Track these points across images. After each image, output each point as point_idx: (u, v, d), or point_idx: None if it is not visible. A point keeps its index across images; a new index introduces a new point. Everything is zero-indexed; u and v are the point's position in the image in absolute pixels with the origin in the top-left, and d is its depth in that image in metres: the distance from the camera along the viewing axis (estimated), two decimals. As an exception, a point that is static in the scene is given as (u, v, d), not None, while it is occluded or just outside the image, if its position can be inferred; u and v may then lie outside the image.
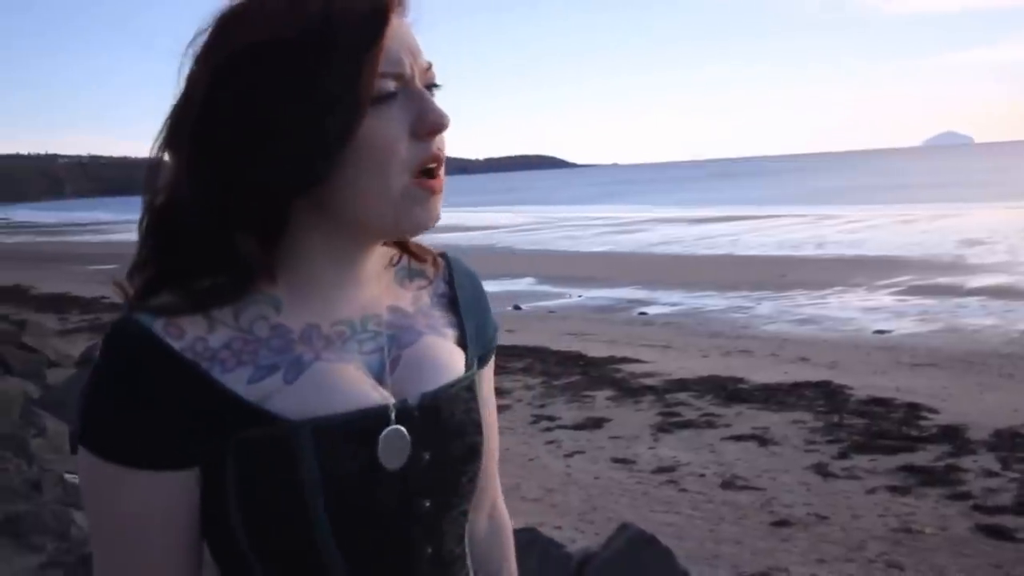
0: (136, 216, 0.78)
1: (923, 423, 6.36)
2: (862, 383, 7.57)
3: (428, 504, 0.80)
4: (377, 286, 0.84)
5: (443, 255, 0.92)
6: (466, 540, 0.88)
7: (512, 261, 20.21)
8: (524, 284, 16.13)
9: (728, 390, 7.48)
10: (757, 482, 5.38)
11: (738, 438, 6.25)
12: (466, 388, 0.85)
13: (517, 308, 13.37)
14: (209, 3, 0.76)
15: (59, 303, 15.13)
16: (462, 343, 0.89)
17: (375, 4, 0.73)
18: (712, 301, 13.45)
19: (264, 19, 0.72)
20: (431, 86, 0.78)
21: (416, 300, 0.87)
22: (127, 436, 0.72)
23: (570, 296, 14.64)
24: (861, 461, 5.68)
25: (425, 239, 0.88)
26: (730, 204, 40.06)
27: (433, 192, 0.77)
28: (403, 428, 0.77)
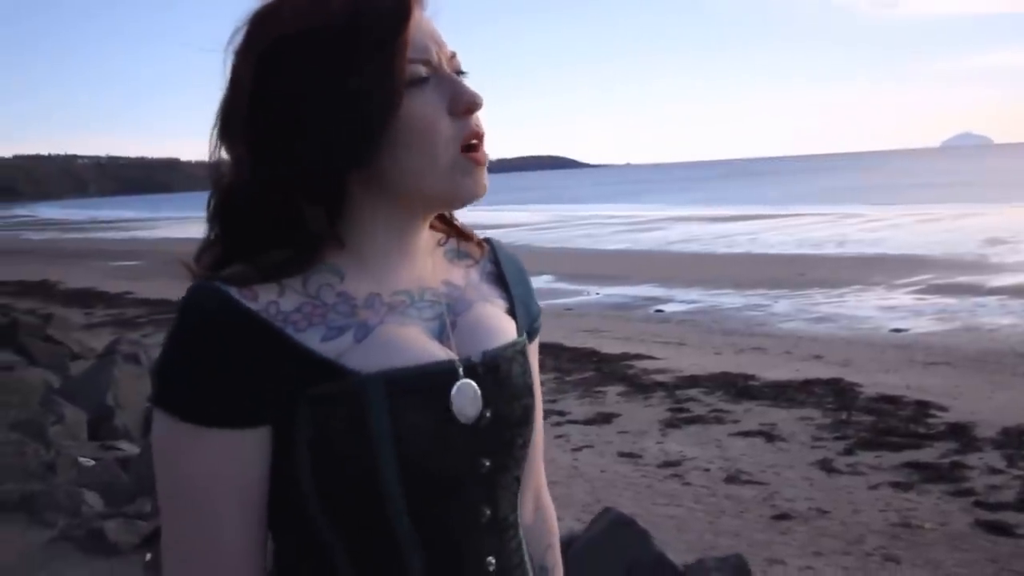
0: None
1: (931, 420, 6.39)
2: (873, 381, 7.59)
3: (488, 464, 0.83)
4: (429, 262, 0.89)
5: (487, 240, 0.98)
6: (518, 510, 0.90)
7: (530, 259, 19.93)
8: (542, 282, 16.20)
9: (738, 387, 7.53)
10: (761, 477, 5.44)
11: (745, 434, 6.31)
12: (520, 352, 0.90)
13: (534, 305, 13.47)
14: (231, 4, 0.83)
15: (85, 298, 15.42)
16: (511, 313, 0.93)
17: None
18: (729, 299, 13.45)
19: (295, 14, 0.77)
20: (458, 73, 0.83)
21: (466, 276, 0.92)
22: (203, 395, 0.74)
23: (588, 294, 14.70)
24: (866, 457, 5.72)
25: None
26: (748, 203, 39.86)
27: (478, 163, 0.81)
28: (473, 383, 0.81)
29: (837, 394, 7.19)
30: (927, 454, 5.71)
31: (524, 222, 35.39)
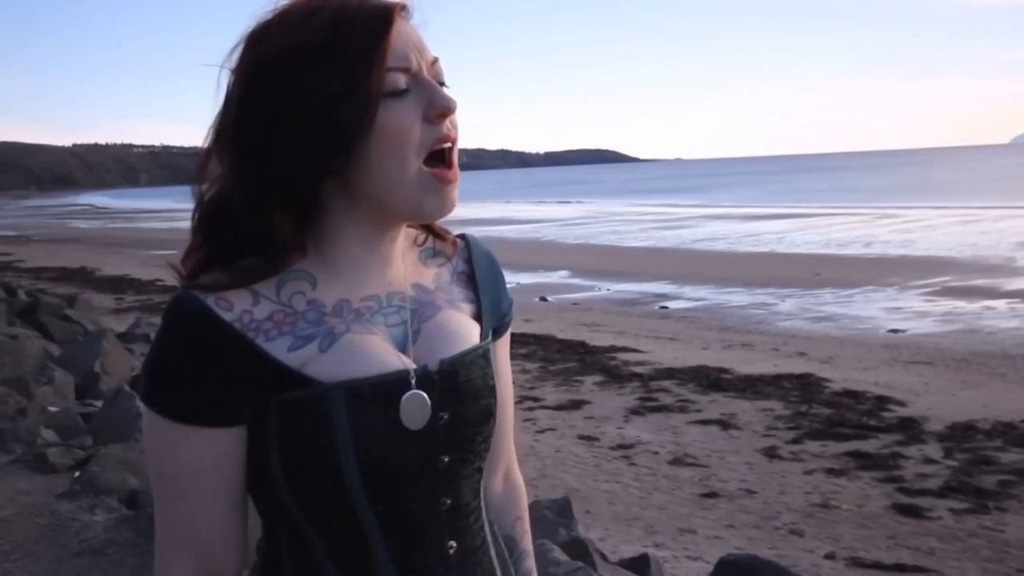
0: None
1: (886, 415, 6.64)
2: (845, 377, 7.82)
3: (446, 459, 0.89)
4: (402, 264, 0.93)
5: (462, 236, 1.02)
6: (482, 495, 0.96)
7: (551, 254, 20.68)
8: (557, 277, 16.52)
9: (711, 379, 7.84)
10: (705, 460, 5.77)
11: (704, 422, 6.63)
12: (481, 356, 0.94)
13: (543, 299, 13.80)
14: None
15: (118, 284, 16.25)
16: (477, 316, 0.97)
17: (379, 10, 0.84)
18: (737, 297, 13.63)
19: (282, 31, 0.83)
20: (439, 83, 0.86)
21: (437, 277, 0.96)
22: (184, 396, 0.82)
23: (599, 289, 14.99)
24: (812, 446, 6.00)
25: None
26: (787, 201, 39.56)
27: (447, 181, 0.85)
28: (423, 393, 0.86)
29: (804, 388, 7.46)
30: (871, 444, 5.98)
31: (555, 217, 35.68)
